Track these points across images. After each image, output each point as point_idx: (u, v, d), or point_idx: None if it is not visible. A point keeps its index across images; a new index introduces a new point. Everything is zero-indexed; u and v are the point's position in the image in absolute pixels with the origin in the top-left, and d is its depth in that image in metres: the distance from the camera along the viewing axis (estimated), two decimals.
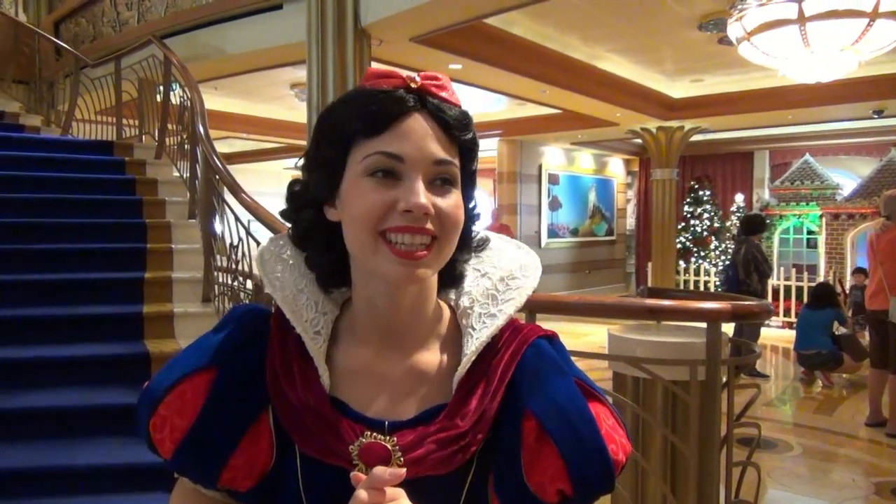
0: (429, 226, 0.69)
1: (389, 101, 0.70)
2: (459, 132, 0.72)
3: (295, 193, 0.79)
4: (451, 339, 0.78)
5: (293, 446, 0.73)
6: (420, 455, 0.70)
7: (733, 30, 5.13)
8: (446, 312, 0.80)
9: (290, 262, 0.80)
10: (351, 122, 0.71)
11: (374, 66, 0.78)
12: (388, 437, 0.71)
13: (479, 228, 0.84)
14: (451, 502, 0.72)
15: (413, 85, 0.71)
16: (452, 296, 0.81)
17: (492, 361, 0.74)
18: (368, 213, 0.69)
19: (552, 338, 0.79)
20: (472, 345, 0.74)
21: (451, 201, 0.71)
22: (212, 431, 0.72)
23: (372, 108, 0.70)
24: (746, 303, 2.12)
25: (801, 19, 4.65)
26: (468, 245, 0.81)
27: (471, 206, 0.78)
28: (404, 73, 0.72)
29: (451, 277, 0.80)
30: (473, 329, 0.76)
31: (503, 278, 0.80)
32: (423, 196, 0.68)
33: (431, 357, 0.77)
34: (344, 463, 0.70)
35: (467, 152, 0.74)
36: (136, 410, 0.77)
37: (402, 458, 0.70)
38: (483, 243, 0.83)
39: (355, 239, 0.71)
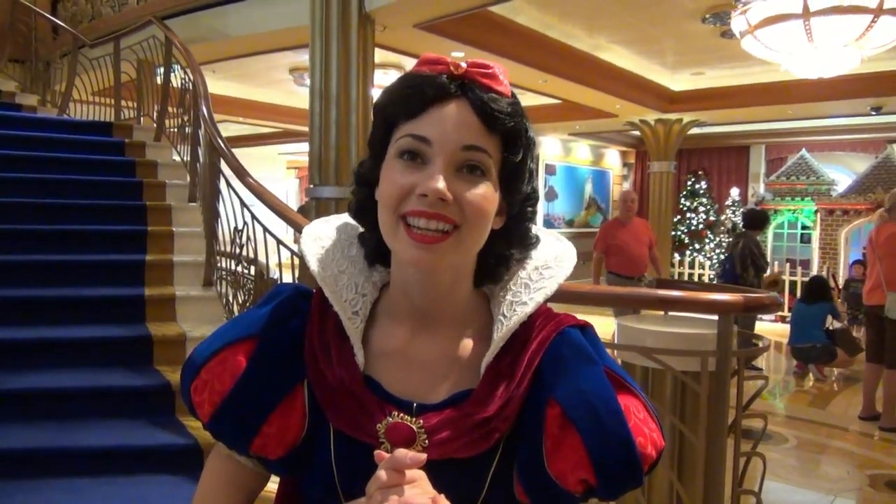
0: (447, 213, 0.68)
1: (428, 85, 0.70)
2: (498, 121, 0.71)
3: (356, 171, 0.80)
4: (484, 327, 0.78)
5: (327, 421, 0.75)
6: (444, 438, 0.71)
7: (737, 23, 5.12)
8: (482, 301, 0.81)
9: (334, 244, 0.82)
10: (393, 105, 0.73)
11: (422, 55, 0.79)
12: (414, 419, 0.72)
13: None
14: (475, 486, 0.73)
15: (457, 71, 0.71)
16: (489, 284, 0.81)
17: (521, 349, 0.75)
18: (390, 195, 0.70)
19: (585, 327, 0.79)
20: (501, 331, 0.75)
21: (478, 190, 0.70)
22: (247, 398, 0.74)
23: (409, 92, 0.71)
24: (757, 295, 2.14)
25: (806, 14, 4.65)
26: (520, 242, 0.79)
27: (517, 199, 0.76)
28: (454, 59, 0.72)
29: (493, 272, 0.79)
30: (504, 316, 0.76)
31: (538, 267, 0.80)
32: (440, 181, 0.68)
33: (464, 343, 0.77)
34: (371, 440, 0.72)
35: (510, 143, 0.73)
36: (181, 375, 0.79)
37: (426, 440, 0.71)
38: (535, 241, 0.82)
39: (381, 219, 0.73)
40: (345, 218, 0.85)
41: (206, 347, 0.78)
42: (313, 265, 0.79)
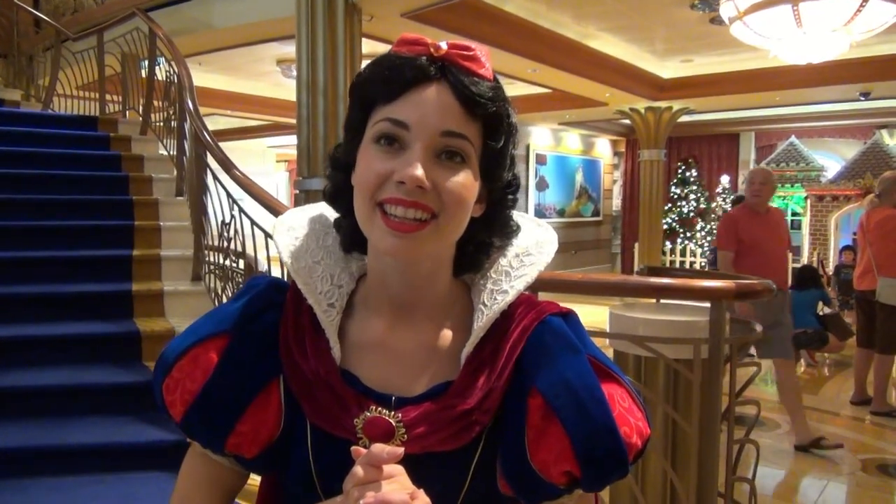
0: (425, 201, 0.66)
1: (408, 67, 0.67)
2: (479, 106, 0.68)
3: (331, 154, 0.77)
4: (464, 316, 0.76)
5: (304, 417, 0.72)
6: (424, 431, 0.69)
7: (726, 9, 5.10)
8: (462, 289, 0.79)
9: (308, 234, 0.79)
10: (371, 87, 0.70)
11: (401, 35, 0.75)
12: (392, 413, 0.70)
13: None
14: (457, 480, 0.71)
15: (437, 53, 0.68)
16: (469, 272, 0.79)
17: (502, 338, 0.73)
18: (366, 181, 0.68)
19: (567, 314, 0.76)
20: (481, 320, 0.73)
21: (457, 178, 0.68)
22: (221, 396, 0.72)
23: (387, 74, 0.68)
24: (749, 281, 2.12)
25: None
26: (501, 230, 0.77)
27: (498, 186, 0.74)
28: (434, 40, 0.69)
29: (473, 260, 0.77)
30: (484, 305, 0.74)
31: (518, 255, 0.78)
32: (418, 168, 0.65)
33: (443, 333, 0.75)
34: (349, 436, 0.70)
35: (491, 128, 0.70)
36: (153, 373, 0.77)
37: (405, 434, 0.69)
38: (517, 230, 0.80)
39: (357, 206, 0.71)
40: (321, 207, 0.83)
41: (177, 344, 0.75)
42: (285, 257, 0.77)
